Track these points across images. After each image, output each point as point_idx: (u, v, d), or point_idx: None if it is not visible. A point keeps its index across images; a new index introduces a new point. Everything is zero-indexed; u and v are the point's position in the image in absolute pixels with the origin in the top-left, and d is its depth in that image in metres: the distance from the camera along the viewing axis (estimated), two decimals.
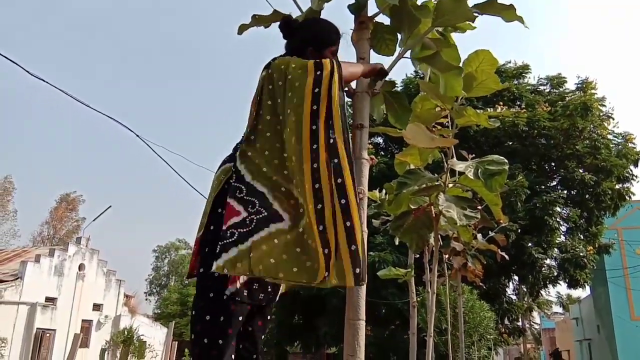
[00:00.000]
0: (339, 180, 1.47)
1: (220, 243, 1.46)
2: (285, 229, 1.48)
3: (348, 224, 1.44)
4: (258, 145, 1.60)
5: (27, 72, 6.36)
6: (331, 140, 1.51)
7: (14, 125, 51.88)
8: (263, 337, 1.77)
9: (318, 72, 1.56)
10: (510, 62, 16.80)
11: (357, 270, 1.43)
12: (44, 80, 6.60)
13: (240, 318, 1.61)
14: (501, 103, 14.89)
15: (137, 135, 7.25)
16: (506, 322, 15.45)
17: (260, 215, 1.49)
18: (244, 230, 1.47)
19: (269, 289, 1.70)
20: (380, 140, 16.67)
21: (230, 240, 1.45)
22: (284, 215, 1.50)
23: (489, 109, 13.77)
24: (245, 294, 1.60)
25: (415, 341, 3.04)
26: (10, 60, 6.20)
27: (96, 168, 57.83)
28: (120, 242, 58.68)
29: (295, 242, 1.47)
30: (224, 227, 1.48)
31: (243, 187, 1.55)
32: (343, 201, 1.46)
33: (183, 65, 68.83)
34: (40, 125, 54.85)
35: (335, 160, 1.49)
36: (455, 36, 2.14)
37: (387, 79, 1.87)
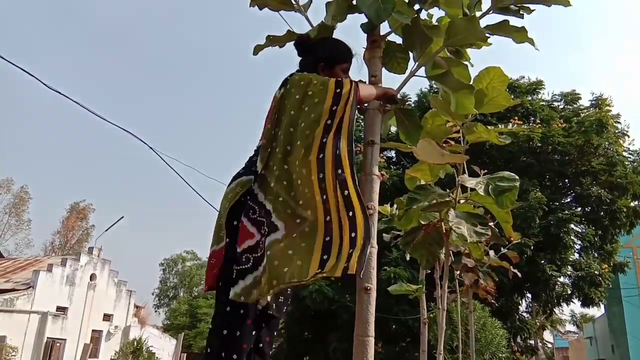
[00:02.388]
0: (346, 192, 1.51)
1: (236, 268, 1.52)
2: (279, 238, 1.50)
3: (353, 235, 1.47)
4: (271, 163, 1.64)
5: (45, 85, 6.51)
6: (337, 151, 1.56)
7: (29, 134, 52.76)
8: (270, 352, 1.78)
9: (338, 90, 1.62)
10: (524, 77, 16.78)
11: (346, 264, 1.45)
12: (60, 93, 6.75)
13: (254, 333, 1.63)
14: (516, 118, 14.84)
15: (151, 148, 7.36)
16: (518, 340, 15.20)
17: (263, 237, 1.54)
18: (258, 255, 1.52)
19: (289, 301, 1.74)
20: (392, 154, 16.68)
21: (245, 266, 1.51)
22: (279, 224, 1.52)
23: (501, 125, 13.74)
24: (274, 307, 1.64)
25: (425, 359, 3.01)
26: (28, 73, 6.35)
27: (108, 177, 58.59)
28: (130, 252, 59.08)
29: (286, 246, 1.49)
30: (239, 250, 1.53)
31: (256, 207, 1.59)
32: (350, 213, 1.49)
33: (199, 75, 69.73)
34: (54, 134, 55.82)
35: (339, 171, 1.53)
36: (469, 51, 2.17)
37: (398, 96, 1.89)
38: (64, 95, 6.68)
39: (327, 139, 1.57)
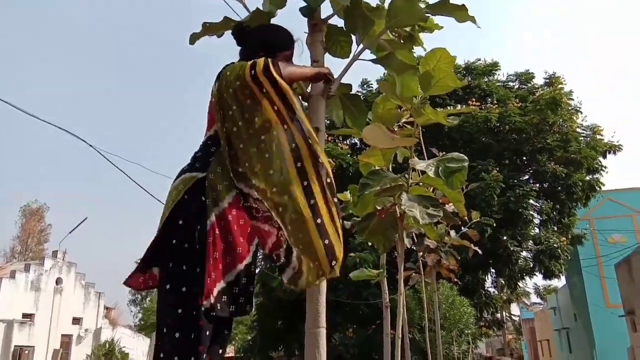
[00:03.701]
0: (329, 180, 1.56)
1: (275, 265, 1.56)
2: (287, 233, 1.54)
3: (341, 221, 1.56)
4: (241, 156, 1.61)
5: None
6: (310, 141, 1.56)
7: None
8: (221, 351, 1.71)
9: (252, 72, 1.57)
10: (480, 59, 17.09)
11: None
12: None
13: (208, 333, 1.56)
14: (473, 99, 15.11)
15: (90, 145, 7.17)
16: (486, 315, 15.65)
17: (280, 231, 1.56)
18: (283, 249, 1.55)
19: (241, 300, 1.64)
20: (356, 140, 16.74)
21: (281, 262, 1.54)
22: (278, 219, 1.55)
23: (460, 106, 13.97)
24: (219, 307, 1.54)
25: (389, 342, 3.03)
26: None
27: (61, 179, 56.90)
28: (96, 253, 57.62)
29: (296, 242, 1.53)
30: (267, 250, 1.56)
31: (255, 205, 1.58)
32: (336, 199, 1.55)
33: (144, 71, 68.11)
34: None
35: (320, 162, 1.56)
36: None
37: (342, 81, 1.86)
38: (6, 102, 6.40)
39: (290, 127, 1.57)
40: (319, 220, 1.50)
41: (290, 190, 1.52)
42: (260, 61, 1.59)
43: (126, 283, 1.69)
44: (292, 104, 1.58)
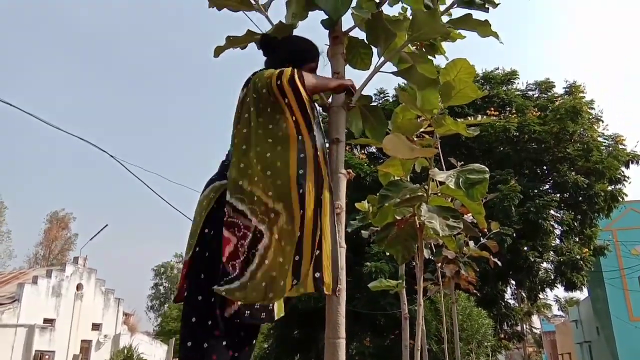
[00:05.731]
0: (320, 192, 1.53)
1: (225, 278, 1.48)
2: (267, 242, 1.49)
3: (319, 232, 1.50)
4: (234, 159, 1.61)
5: (8, 104, 6.35)
6: (319, 153, 1.56)
7: None
8: None
9: (278, 82, 1.59)
10: (498, 68, 16.96)
11: (317, 275, 1.49)
12: (20, 109, 6.59)
13: (225, 343, 1.56)
14: (492, 109, 14.98)
15: (112, 156, 7.30)
16: (505, 327, 15.37)
17: (247, 240, 1.49)
18: (240, 261, 1.48)
19: (270, 307, 1.64)
20: (373, 149, 16.71)
21: (232, 275, 1.47)
22: (261, 227, 1.50)
23: (480, 116, 13.86)
24: (247, 314, 1.55)
25: (407, 354, 3.01)
26: None
27: (85, 186, 57.84)
28: (116, 260, 58.30)
29: (276, 253, 1.48)
30: (224, 259, 1.49)
31: (229, 208, 1.55)
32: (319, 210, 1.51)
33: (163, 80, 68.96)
34: (22, 145, 54.68)
35: (322, 175, 1.54)
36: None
37: (362, 93, 1.87)
38: (34, 116, 6.56)
39: (303, 136, 1.56)
40: (299, 233, 1.48)
41: (286, 197, 1.50)
42: (288, 71, 1.61)
43: (175, 300, 1.70)
44: (310, 118, 1.59)
